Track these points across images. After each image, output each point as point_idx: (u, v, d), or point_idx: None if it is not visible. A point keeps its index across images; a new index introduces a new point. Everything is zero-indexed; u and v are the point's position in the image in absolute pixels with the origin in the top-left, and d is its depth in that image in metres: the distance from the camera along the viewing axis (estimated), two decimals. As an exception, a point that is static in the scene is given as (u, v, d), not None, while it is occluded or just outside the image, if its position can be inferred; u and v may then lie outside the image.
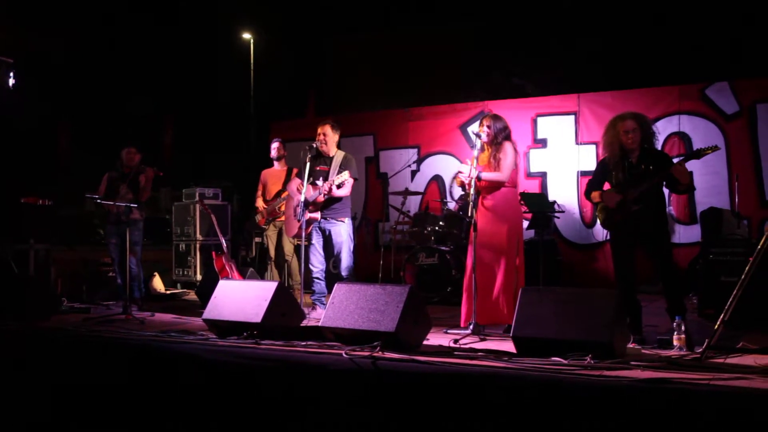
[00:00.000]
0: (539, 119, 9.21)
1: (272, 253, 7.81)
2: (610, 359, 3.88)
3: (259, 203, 7.78)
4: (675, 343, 4.42)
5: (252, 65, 16.48)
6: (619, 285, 4.97)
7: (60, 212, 10.36)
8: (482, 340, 4.94)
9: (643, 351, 4.41)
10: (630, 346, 4.46)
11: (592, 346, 3.93)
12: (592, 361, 3.82)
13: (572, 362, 3.84)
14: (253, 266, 8.42)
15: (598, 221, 5.37)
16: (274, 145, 7.90)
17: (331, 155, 6.48)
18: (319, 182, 6.35)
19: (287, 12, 17.21)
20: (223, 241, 7.60)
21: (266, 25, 17.04)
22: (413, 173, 9.90)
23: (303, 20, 17.25)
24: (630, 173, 5.01)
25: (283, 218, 7.42)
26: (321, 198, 6.28)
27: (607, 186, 5.23)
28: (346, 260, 6.37)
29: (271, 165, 8.01)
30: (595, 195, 5.22)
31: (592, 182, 5.33)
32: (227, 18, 17.16)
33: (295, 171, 7.64)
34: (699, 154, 4.90)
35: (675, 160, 5.03)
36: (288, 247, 7.76)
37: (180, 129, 18.72)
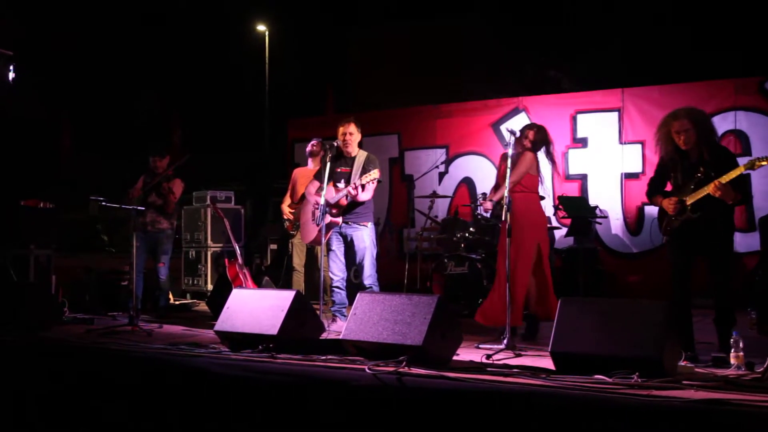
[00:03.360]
0: (579, 116, 9.16)
1: (296, 262, 7.80)
2: (660, 378, 3.83)
3: (284, 207, 7.77)
4: (732, 361, 4.35)
5: (267, 59, 16.60)
6: (674, 296, 4.91)
7: (62, 216, 10.48)
8: (517, 355, 4.91)
9: (696, 369, 4.34)
10: (681, 363, 4.39)
11: (640, 363, 3.88)
12: (639, 380, 3.78)
13: (617, 380, 3.79)
14: (268, 275, 8.44)
15: (659, 227, 5.30)
16: (313, 141, 7.84)
17: (353, 155, 6.47)
18: (341, 184, 6.34)
19: (306, 4, 17.32)
20: (237, 247, 7.64)
21: (282, 16, 17.15)
22: (441, 175, 9.88)
23: (322, 11, 17.34)
24: (688, 176, 4.94)
25: None
26: (344, 201, 6.27)
27: (669, 186, 5.17)
28: (369, 268, 6.36)
29: (295, 163, 8.01)
30: (658, 200, 5.14)
31: (653, 182, 5.26)
32: (240, 8, 17.30)
33: (297, 171, 7.66)
34: (753, 165, 4.78)
35: (741, 161, 4.90)
36: (299, 259, 7.79)
37: (189, 127, 18.90)
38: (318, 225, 6.33)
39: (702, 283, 5.25)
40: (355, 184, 6.16)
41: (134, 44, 17.14)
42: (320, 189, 6.42)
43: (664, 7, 12.47)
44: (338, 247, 6.43)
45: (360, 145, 6.60)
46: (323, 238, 6.22)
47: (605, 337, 4.09)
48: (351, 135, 6.41)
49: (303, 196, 7.59)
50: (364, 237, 6.38)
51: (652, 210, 8.63)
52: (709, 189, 4.72)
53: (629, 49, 12.56)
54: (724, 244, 4.97)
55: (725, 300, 4.89)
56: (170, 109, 18.85)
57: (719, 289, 4.89)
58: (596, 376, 3.88)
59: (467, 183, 9.72)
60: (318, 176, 6.59)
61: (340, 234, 6.41)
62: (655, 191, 5.21)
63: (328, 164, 6.20)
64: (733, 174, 4.72)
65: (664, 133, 5.00)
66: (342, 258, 6.46)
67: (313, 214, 6.48)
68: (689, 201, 4.87)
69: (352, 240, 6.38)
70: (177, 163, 7.63)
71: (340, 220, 6.32)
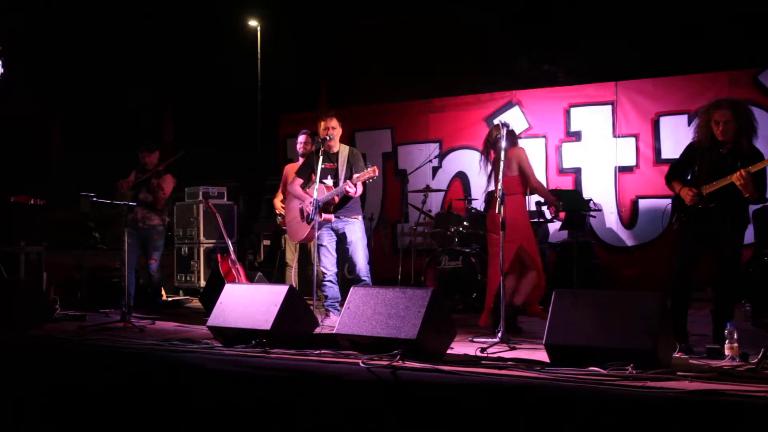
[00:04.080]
0: (573, 110, 9.16)
1: (289, 258, 7.76)
2: (654, 369, 3.84)
3: (277, 203, 7.74)
4: (727, 352, 4.36)
5: (259, 54, 16.56)
6: (675, 285, 4.92)
7: (53, 213, 10.44)
8: (512, 348, 4.93)
9: (691, 361, 4.36)
10: (676, 355, 4.41)
11: (634, 355, 3.90)
12: (634, 371, 3.79)
13: (612, 372, 3.81)
14: (261, 271, 8.44)
15: (671, 213, 5.29)
16: (300, 139, 7.71)
17: (335, 150, 6.47)
18: (327, 181, 6.35)
19: (298, -4, 17.29)
20: (230, 243, 7.63)
21: (274, 11, 17.12)
22: (434, 170, 9.88)
23: (315, 5, 17.30)
24: (713, 166, 4.90)
25: None
26: (336, 198, 6.28)
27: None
28: (362, 259, 6.37)
29: (287, 159, 7.98)
30: (676, 187, 5.13)
31: (675, 166, 5.24)
32: (232, 3, 17.25)
33: (289, 167, 7.66)
34: None
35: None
36: (291, 254, 7.77)
37: (181, 123, 18.85)
38: (310, 222, 6.31)
39: (697, 275, 5.27)
40: (351, 182, 6.15)
41: (126, 40, 17.08)
42: (306, 185, 6.41)
43: (659, 2, 12.49)
44: (329, 242, 6.43)
45: (342, 140, 6.59)
46: (316, 234, 6.22)
47: (599, 329, 4.10)
48: (333, 130, 6.39)
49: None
50: (356, 229, 6.40)
51: (646, 203, 8.66)
52: (733, 177, 4.71)
53: (622, 42, 12.58)
54: (735, 236, 4.97)
55: (728, 293, 4.90)
56: (162, 105, 18.80)
57: (724, 281, 4.90)
58: (591, 368, 3.90)
59: (461, 177, 9.72)
60: (300, 173, 6.56)
61: (332, 229, 6.42)
62: (675, 176, 5.18)
63: (321, 158, 6.18)
64: (760, 165, 4.72)
65: (704, 120, 4.97)
66: (334, 253, 6.46)
67: (302, 212, 6.46)
68: (707, 190, 4.87)
69: (344, 234, 6.39)
70: (170, 159, 7.62)
71: (332, 216, 6.32)
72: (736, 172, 4.74)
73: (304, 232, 6.46)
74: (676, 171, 5.20)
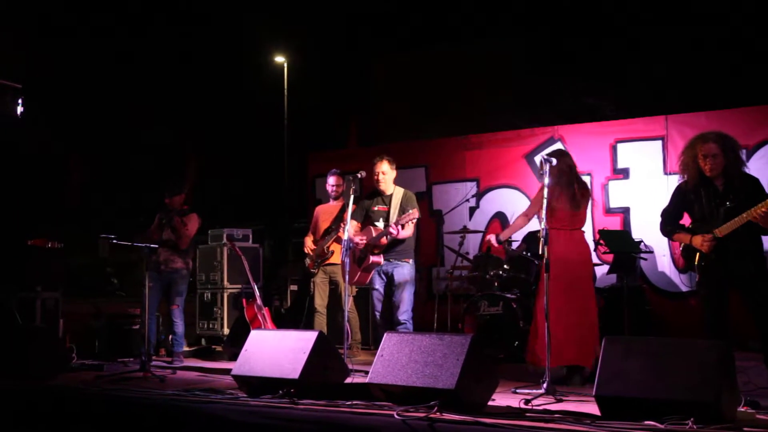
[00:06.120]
0: (619, 146, 9.10)
1: (318, 303, 7.75)
2: (717, 424, 3.75)
3: (307, 243, 7.83)
4: (796, 406, 4.24)
5: (285, 90, 16.81)
6: (709, 336, 4.84)
7: (71, 258, 10.58)
8: (558, 401, 4.84)
9: (758, 416, 4.25)
10: (741, 409, 4.30)
11: (695, 408, 3.81)
12: (694, 426, 3.70)
13: (670, 427, 3.73)
14: (287, 318, 8.44)
15: (693, 265, 5.22)
16: (331, 181, 7.87)
17: (388, 193, 6.66)
18: (379, 223, 6.57)
19: (325, 32, 17.58)
20: (255, 287, 7.66)
21: (301, 46, 17.42)
22: (472, 210, 9.85)
23: (343, 40, 17.59)
24: (713, 205, 4.89)
25: (332, 260, 7.48)
26: (385, 240, 6.45)
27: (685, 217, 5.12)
28: (406, 304, 6.52)
29: (316, 200, 8.08)
30: (683, 237, 5.08)
31: (668, 213, 5.23)
32: (258, 39, 17.60)
33: (319, 208, 7.80)
34: None
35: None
36: (321, 300, 7.74)
37: (205, 163, 19.15)
38: (360, 265, 6.50)
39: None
40: (394, 224, 6.33)
41: (148, 76, 17.48)
42: (362, 228, 6.61)
43: (709, 30, 12.46)
44: (380, 286, 6.62)
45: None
46: (346, 275, 6.26)
47: (655, 379, 4.03)
48: (384, 174, 6.64)
49: (325, 232, 7.66)
50: (405, 273, 6.58)
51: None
52: (756, 213, 4.65)
53: (673, 73, 12.54)
54: (761, 275, 4.90)
55: None
56: (185, 145, 19.14)
57: (765, 326, 4.79)
58: (646, 422, 3.82)
59: (500, 218, 9.66)
60: (354, 215, 6.69)
61: (382, 272, 6.58)
62: (674, 226, 5.16)
63: (352, 196, 6.32)
64: None
65: (690, 157, 4.99)
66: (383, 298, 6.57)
67: (354, 254, 6.57)
68: (722, 232, 4.81)
69: (392, 276, 6.56)
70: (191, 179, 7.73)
71: (381, 259, 6.52)
72: (745, 208, 4.70)
73: (354, 275, 6.60)
74: (673, 220, 5.18)
